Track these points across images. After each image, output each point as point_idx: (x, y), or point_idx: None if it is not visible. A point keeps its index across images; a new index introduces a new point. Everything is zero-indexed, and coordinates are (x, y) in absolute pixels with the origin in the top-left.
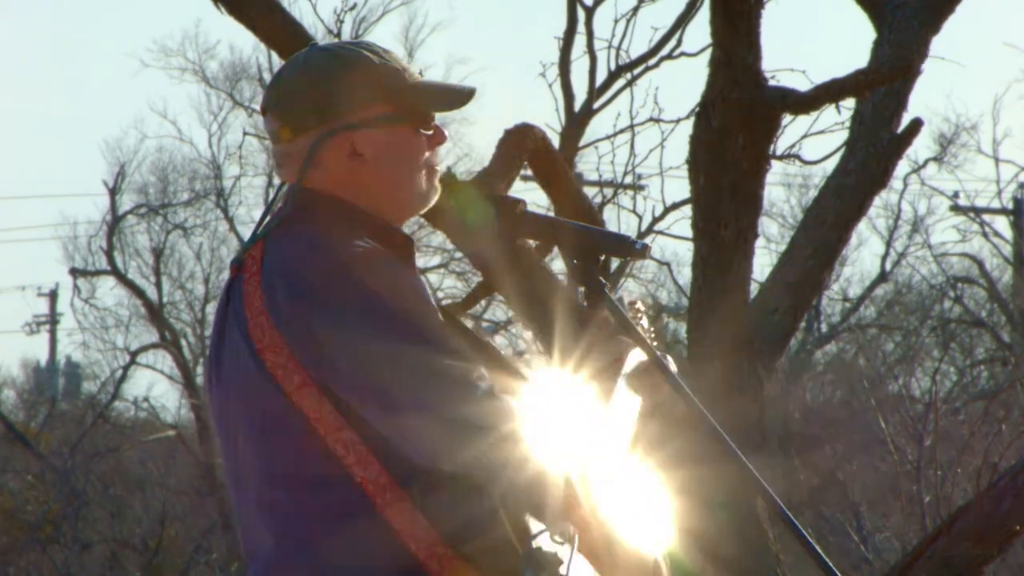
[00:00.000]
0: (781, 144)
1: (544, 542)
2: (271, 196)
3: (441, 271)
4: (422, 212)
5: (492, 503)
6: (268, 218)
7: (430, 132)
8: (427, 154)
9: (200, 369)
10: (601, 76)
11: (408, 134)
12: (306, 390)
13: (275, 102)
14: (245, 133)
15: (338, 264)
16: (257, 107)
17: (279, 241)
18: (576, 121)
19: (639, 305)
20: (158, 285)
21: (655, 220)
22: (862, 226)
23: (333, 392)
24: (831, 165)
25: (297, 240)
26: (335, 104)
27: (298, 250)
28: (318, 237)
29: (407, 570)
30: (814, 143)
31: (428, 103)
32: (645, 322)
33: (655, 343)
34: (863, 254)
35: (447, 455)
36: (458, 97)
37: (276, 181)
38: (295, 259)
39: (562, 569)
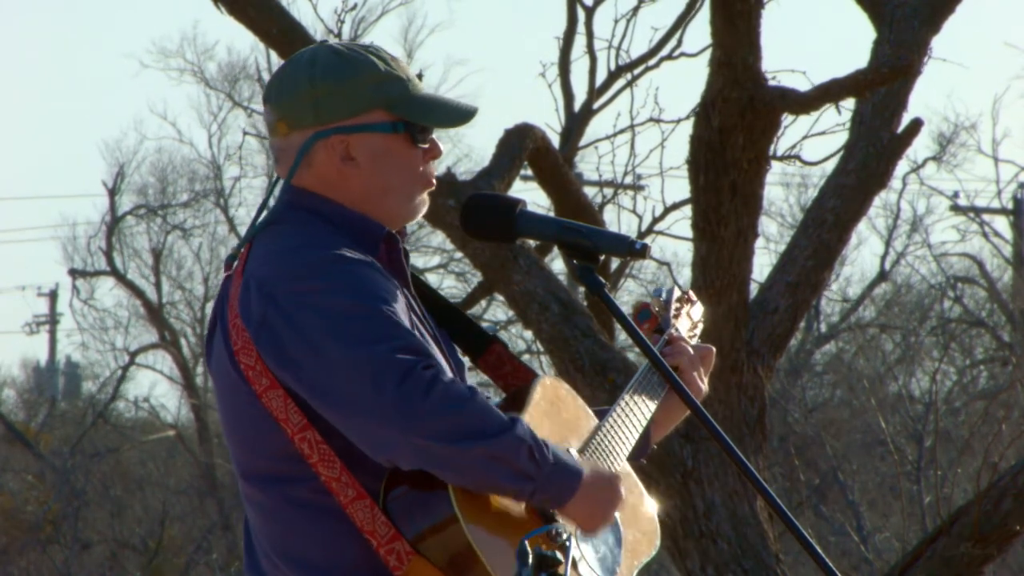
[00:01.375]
0: (782, 145)
1: (542, 542)
2: (266, 194)
3: (441, 271)
4: (410, 222)
5: (448, 497)
6: (260, 216)
7: (427, 145)
8: (421, 167)
9: (200, 369)
10: (601, 76)
11: (404, 144)
12: (273, 391)
13: (275, 94)
14: (245, 133)
15: (303, 269)
16: (256, 107)
17: (263, 243)
18: (576, 121)
19: (691, 295)
20: (157, 285)
21: (655, 220)
22: (861, 225)
23: (296, 393)
24: (831, 165)
25: (273, 243)
26: (334, 105)
27: (270, 254)
28: (292, 240)
29: (371, 567)
30: (814, 143)
31: (429, 117)
32: (697, 311)
33: (699, 335)
34: (863, 253)
35: (399, 452)
36: (459, 115)
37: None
38: (266, 263)
39: (561, 569)
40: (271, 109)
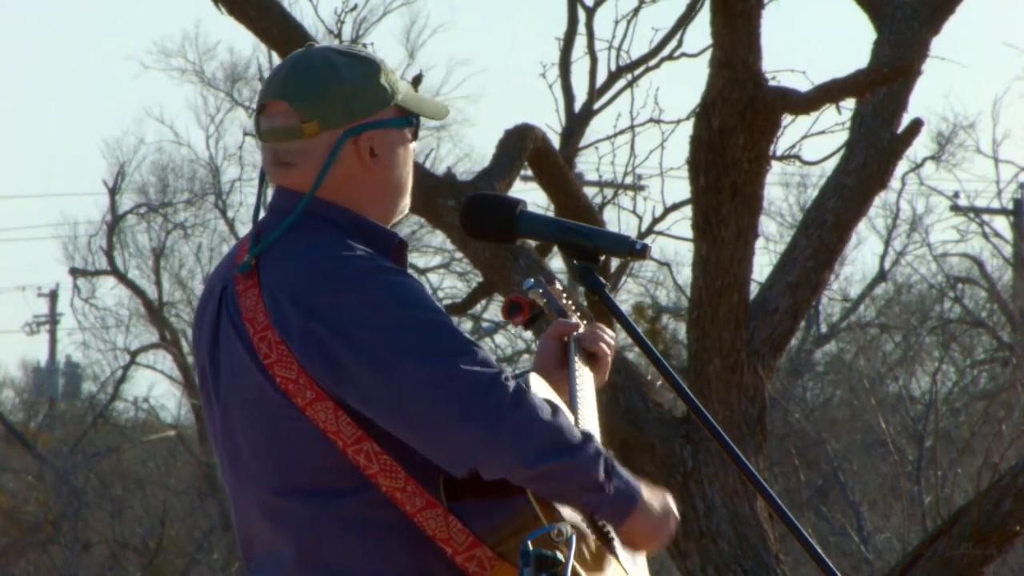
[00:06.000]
0: (781, 144)
1: (544, 542)
2: (256, 200)
3: (442, 271)
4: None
5: (528, 502)
6: (263, 222)
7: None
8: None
9: None
10: (601, 77)
11: (406, 140)
12: (320, 404)
13: (295, 94)
14: (245, 133)
15: (345, 279)
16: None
17: (276, 253)
18: (576, 121)
19: (557, 286)
20: (158, 285)
21: (655, 220)
22: (861, 225)
23: (350, 405)
24: (830, 164)
25: (297, 253)
26: (362, 102)
27: (300, 265)
28: (317, 251)
29: (441, 567)
30: (814, 143)
31: (427, 112)
32: (580, 298)
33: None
34: (863, 253)
35: (487, 463)
36: (441, 110)
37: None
38: (299, 275)
39: (561, 569)
40: (293, 110)
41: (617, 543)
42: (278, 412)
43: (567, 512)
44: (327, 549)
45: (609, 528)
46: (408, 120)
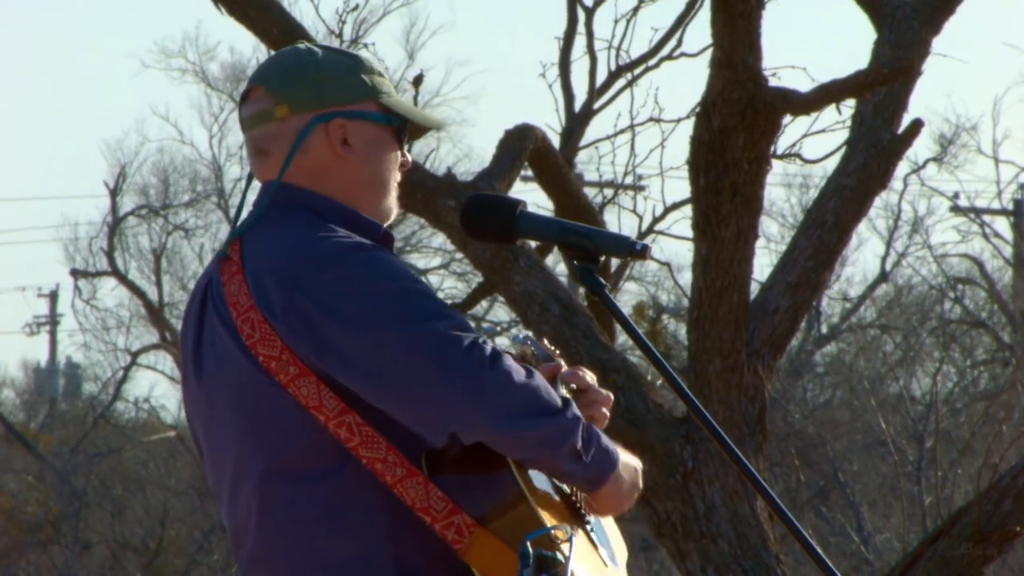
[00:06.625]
0: (781, 143)
1: (544, 543)
2: (244, 189)
3: (442, 271)
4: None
5: (511, 475)
6: (244, 214)
7: (404, 149)
8: (396, 170)
9: None
10: (601, 76)
11: (391, 139)
12: (303, 379)
13: (272, 79)
14: None
15: (327, 256)
16: None
17: (258, 239)
18: (576, 121)
19: (544, 341)
20: (159, 286)
21: (655, 220)
22: (862, 226)
23: (334, 379)
24: (831, 164)
25: (278, 237)
26: (337, 89)
27: (282, 246)
28: (297, 232)
29: (398, 561)
30: (814, 142)
31: (415, 116)
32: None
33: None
34: (864, 254)
35: (466, 426)
36: (433, 120)
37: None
38: (281, 254)
39: (561, 570)
40: (268, 95)
41: (585, 510)
42: (261, 392)
43: (540, 483)
44: (309, 534)
45: (575, 494)
46: (389, 119)
